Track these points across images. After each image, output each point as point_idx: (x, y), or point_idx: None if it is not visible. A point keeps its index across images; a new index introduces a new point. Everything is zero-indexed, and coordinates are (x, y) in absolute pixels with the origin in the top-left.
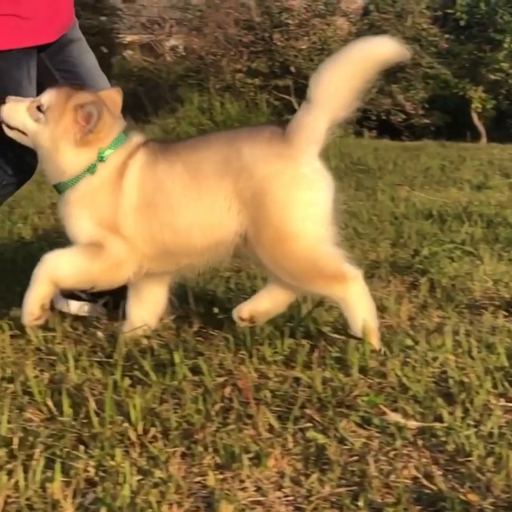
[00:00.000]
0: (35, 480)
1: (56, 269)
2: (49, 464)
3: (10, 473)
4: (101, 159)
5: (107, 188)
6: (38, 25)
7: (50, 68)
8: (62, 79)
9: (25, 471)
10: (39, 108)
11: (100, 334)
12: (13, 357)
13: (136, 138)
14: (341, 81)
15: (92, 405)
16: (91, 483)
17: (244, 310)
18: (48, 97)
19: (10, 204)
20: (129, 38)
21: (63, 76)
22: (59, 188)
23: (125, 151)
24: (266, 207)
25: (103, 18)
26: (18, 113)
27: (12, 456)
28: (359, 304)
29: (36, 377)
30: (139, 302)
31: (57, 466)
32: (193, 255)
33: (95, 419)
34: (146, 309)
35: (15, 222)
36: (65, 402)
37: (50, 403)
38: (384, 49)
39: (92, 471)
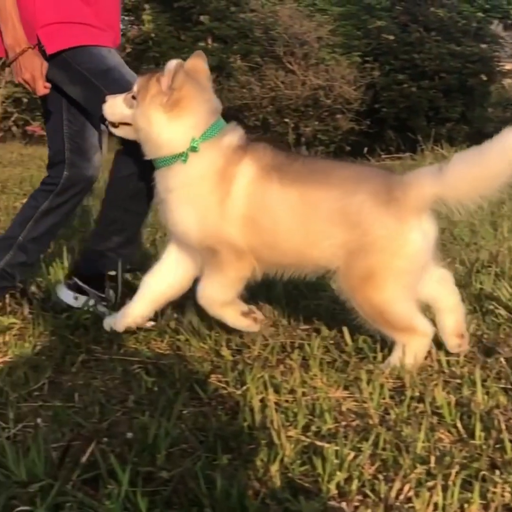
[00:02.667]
0: (453, 500)
1: (214, 298)
2: (464, 485)
3: (429, 490)
4: (193, 149)
5: (210, 189)
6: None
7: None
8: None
9: (443, 490)
10: (133, 97)
11: (502, 361)
12: (418, 378)
13: (233, 135)
14: (482, 173)
15: (504, 431)
16: (508, 509)
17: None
18: (137, 83)
19: None
20: (508, 66)
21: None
22: (157, 164)
23: (226, 150)
24: (366, 262)
25: (484, 46)
26: (117, 107)
27: (429, 474)
28: (409, 355)
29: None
30: None
31: (476, 488)
32: (282, 269)
33: (508, 445)
34: None
35: None
36: (477, 426)
37: (459, 425)
38: None
39: (508, 496)
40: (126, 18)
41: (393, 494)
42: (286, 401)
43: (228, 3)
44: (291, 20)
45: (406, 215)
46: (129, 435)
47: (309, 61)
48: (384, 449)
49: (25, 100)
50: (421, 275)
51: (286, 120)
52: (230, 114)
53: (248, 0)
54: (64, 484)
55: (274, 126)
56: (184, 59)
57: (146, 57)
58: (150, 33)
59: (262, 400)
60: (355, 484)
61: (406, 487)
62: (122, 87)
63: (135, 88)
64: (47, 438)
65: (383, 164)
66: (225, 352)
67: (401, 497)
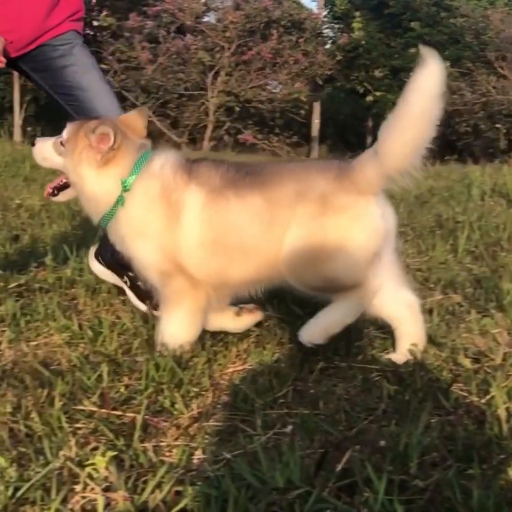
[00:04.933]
0: None
1: (177, 339)
2: None
3: None
4: (125, 188)
5: (161, 221)
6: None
7: (51, 93)
8: (63, 101)
9: None
10: (62, 143)
11: None
12: None
13: (160, 159)
14: (407, 135)
15: None
16: None
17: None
18: (66, 130)
19: None
20: None
21: (64, 98)
22: (103, 223)
23: (159, 175)
24: (322, 234)
25: None
26: (46, 151)
27: None
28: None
29: None
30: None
31: None
32: (252, 284)
33: None
34: None
35: None
36: None
37: None
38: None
39: None
40: (336, 25)
41: None
42: None
43: (439, 8)
44: (503, 24)
45: (361, 191)
46: (382, 443)
47: None
48: None
49: (237, 109)
50: (378, 257)
51: (498, 125)
52: (439, 120)
53: (459, 5)
54: (321, 491)
55: (485, 132)
56: (394, 65)
57: (357, 64)
58: (360, 40)
59: (507, 409)
60: None
61: None
62: None
63: (64, 134)
64: (300, 445)
65: None
66: (464, 360)
67: None
